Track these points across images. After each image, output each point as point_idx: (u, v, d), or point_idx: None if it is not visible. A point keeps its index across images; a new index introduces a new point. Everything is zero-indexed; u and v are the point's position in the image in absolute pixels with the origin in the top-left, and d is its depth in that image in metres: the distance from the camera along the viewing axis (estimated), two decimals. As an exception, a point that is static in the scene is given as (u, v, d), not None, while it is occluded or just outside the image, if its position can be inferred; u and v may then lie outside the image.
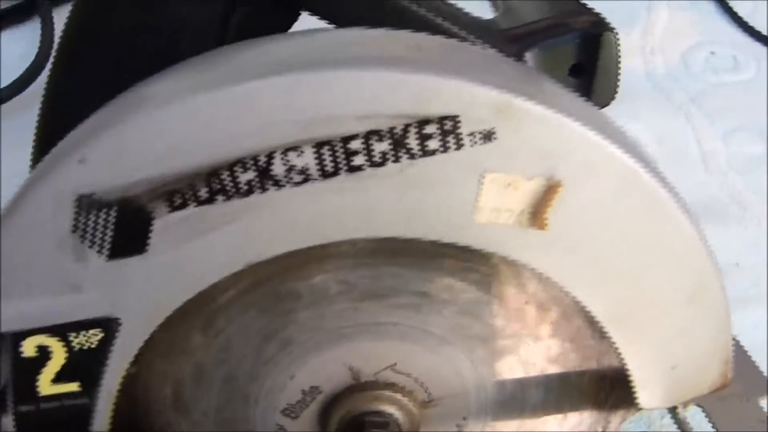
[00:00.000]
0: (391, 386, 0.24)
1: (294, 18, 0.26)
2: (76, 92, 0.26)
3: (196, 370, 0.23)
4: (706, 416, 0.27)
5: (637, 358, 0.22)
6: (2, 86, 0.49)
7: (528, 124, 0.17)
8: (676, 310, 0.22)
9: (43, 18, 0.52)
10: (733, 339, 0.25)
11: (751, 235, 0.43)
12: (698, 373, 0.23)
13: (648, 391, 0.23)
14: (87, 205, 0.18)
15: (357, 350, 0.24)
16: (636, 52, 0.52)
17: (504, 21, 0.28)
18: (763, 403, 0.29)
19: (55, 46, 0.49)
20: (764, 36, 0.52)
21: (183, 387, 0.24)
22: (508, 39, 0.27)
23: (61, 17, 0.52)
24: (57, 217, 0.18)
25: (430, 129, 0.17)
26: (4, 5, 0.53)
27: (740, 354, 0.30)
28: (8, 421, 0.22)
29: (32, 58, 0.50)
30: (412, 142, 0.17)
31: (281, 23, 0.26)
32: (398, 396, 0.24)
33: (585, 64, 0.27)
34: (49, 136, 0.28)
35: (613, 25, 0.53)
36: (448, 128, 0.17)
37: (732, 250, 0.42)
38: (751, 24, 0.53)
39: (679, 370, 0.23)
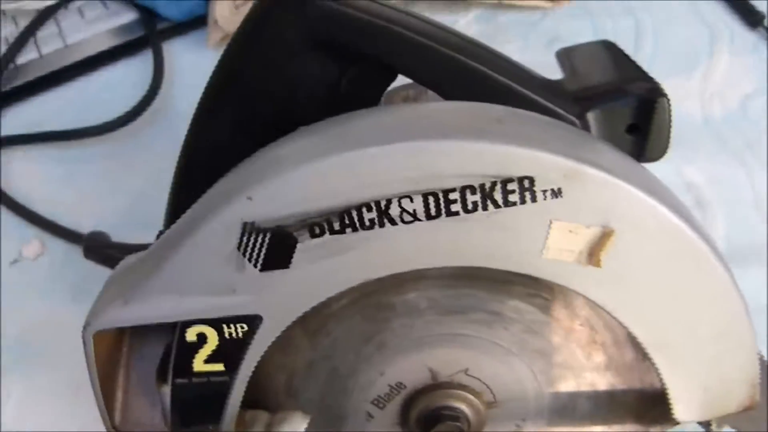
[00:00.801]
0: (463, 387, 0.29)
1: (393, 78, 0.32)
2: (209, 143, 0.32)
3: (307, 364, 0.29)
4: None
5: (674, 378, 0.27)
6: (119, 114, 0.55)
7: (588, 185, 0.22)
8: (708, 342, 0.26)
9: (155, 51, 0.58)
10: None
11: None
12: (727, 394, 0.27)
13: (683, 406, 0.27)
14: (249, 230, 0.23)
15: (437, 355, 0.29)
16: (695, 97, 0.54)
17: (570, 82, 0.33)
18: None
19: (165, 77, 0.56)
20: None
21: (294, 377, 0.29)
22: (573, 99, 0.32)
23: (169, 51, 0.59)
24: (227, 237, 0.24)
25: (511, 186, 0.22)
26: (120, 40, 0.60)
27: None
28: (166, 389, 0.28)
29: (144, 86, 0.56)
30: (498, 195, 0.22)
31: (382, 83, 0.32)
32: (468, 396, 0.29)
33: (640, 124, 0.32)
34: (185, 176, 0.34)
35: (675, 69, 0.58)
36: (526, 186, 0.22)
37: None
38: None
39: (710, 390, 0.27)
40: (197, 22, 0.59)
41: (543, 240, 0.23)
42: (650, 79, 0.32)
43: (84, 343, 0.26)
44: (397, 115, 0.24)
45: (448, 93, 0.30)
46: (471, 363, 0.29)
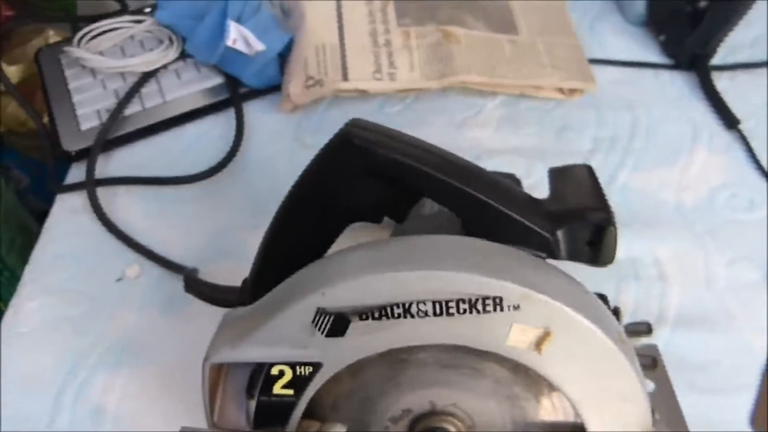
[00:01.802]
0: (452, 414, 0.42)
1: (419, 198, 0.45)
2: (292, 230, 0.46)
3: (347, 392, 0.42)
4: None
5: (592, 421, 0.39)
6: (206, 161, 0.67)
7: (536, 303, 0.35)
8: (613, 399, 0.39)
9: (237, 111, 0.70)
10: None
11: (732, 341, 0.56)
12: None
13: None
14: (321, 312, 0.37)
15: (436, 392, 0.41)
16: (672, 186, 0.64)
17: (550, 202, 0.46)
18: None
19: (246, 134, 0.69)
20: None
21: (338, 399, 0.43)
22: (549, 217, 0.44)
23: (248, 111, 0.72)
24: (306, 315, 0.37)
25: (488, 301, 0.35)
26: (209, 100, 0.71)
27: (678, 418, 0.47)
28: (253, 402, 0.41)
29: (227, 138, 0.69)
30: (479, 306, 0.35)
31: (411, 202, 0.45)
32: (456, 421, 0.42)
33: (595, 242, 0.44)
34: (272, 248, 0.47)
35: (660, 161, 0.67)
36: (497, 302, 0.35)
37: (715, 351, 0.55)
38: (771, 172, 0.66)
39: (616, 427, 0.40)
40: (274, 87, 0.72)
41: (506, 333, 0.36)
42: (606, 209, 0.44)
43: (202, 370, 0.40)
44: (421, 247, 0.38)
45: (456, 211, 0.43)
46: (458, 399, 0.40)
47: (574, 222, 0.43)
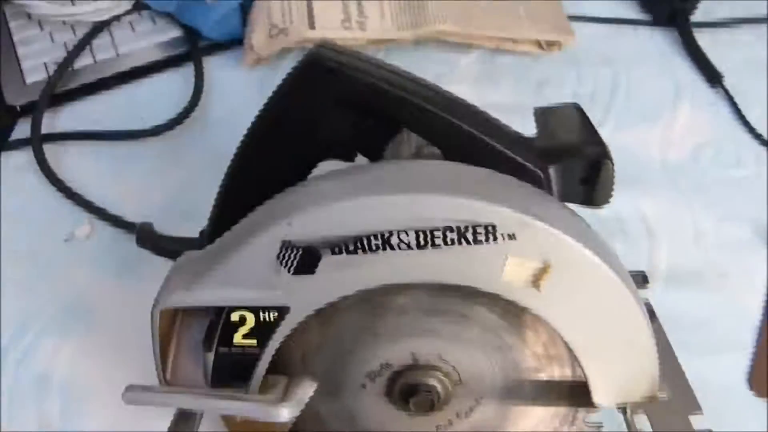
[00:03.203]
0: (436, 368, 0.38)
1: (397, 131, 0.41)
2: (254, 167, 0.41)
3: (318, 344, 0.38)
4: (650, 423, 0.40)
5: (594, 373, 0.36)
6: (162, 118, 0.63)
7: (534, 232, 0.31)
8: (619, 346, 0.35)
9: (197, 66, 0.66)
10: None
11: (725, 300, 0.53)
12: (634, 385, 0.36)
13: (600, 394, 0.36)
14: (286, 246, 0.32)
15: (418, 343, 0.37)
16: (656, 143, 0.62)
17: (540, 140, 0.42)
18: (692, 418, 0.42)
19: (204, 89, 0.64)
20: (765, 140, 0.64)
21: (308, 353, 0.38)
22: (540, 155, 0.41)
23: (208, 66, 0.67)
24: (270, 250, 0.32)
25: (480, 230, 0.31)
26: (166, 54, 0.67)
27: (681, 378, 0.44)
28: (211, 356, 0.37)
29: (185, 95, 0.64)
30: (470, 235, 0.31)
31: (388, 135, 0.41)
32: (440, 375, 0.38)
33: (590, 179, 0.40)
34: (231, 191, 0.43)
35: (643, 118, 0.65)
36: (490, 231, 0.31)
37: (707, 309, 0.53)
38: (757, 129, 0.64)
39: (620, 383, 0.36)
40: (235, 42, 0.67)
41: (501, 268, 0.32)
42: (601, 144, 0.40)
43: (151, 316, 0.35)
44: (402, 171, 0.33)
45: (438, 145, 0.39)
46: (444, 351, 0.37)
47: (567, 158, 0.40)
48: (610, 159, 0.39)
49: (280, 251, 0.32)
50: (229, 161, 0.43)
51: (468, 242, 0.31)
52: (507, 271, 0.32)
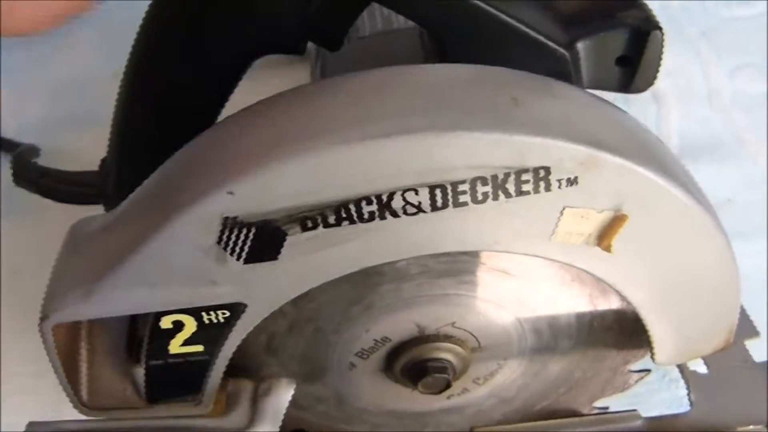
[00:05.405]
0: (448, 338, 0.29)
1: (365, 6, 0.28)
2: (158, 72, 0.28)
3: (289, 326, 0.28)
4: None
5: (660, 331, 0.27)
6: None
7: (605, 173, 0.21)
8: (699, 299, 0.26)
9: None
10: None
11: (747, 172, 0.46)
12: (707, 341, 0.28)
13: (664, 353, 0.28)
14: (231, 224, 0.21)
15: (425, 312, 0.28)
16: None
17: (564, 3, 0.30)
18: (748, 344, 0.35)
19: None
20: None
21: (275, 337, 0.28)
22: (564, 24, 0.29)
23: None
24: (205, 232, 0.21)
25: (525, 177, 0.20)
26: None
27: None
28: (140, 371, 0.26)
29: None
30: (510, 186, 0.20)
31: (355, 8, 0.28)
32: (454, 346, 0.29)
33: (632, 56, 0.29)
34: (132, 105, 0.29)
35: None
36: (541, 176, 0.20)
37: (728, 186, 0.45)
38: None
39: (692, 340, 0.28)
40: None
41: (554, 225, 0.22)
42: (645, 8, 0.29)
43: (42, 334, 0.24)
44: (400, 89, 0.21)
45: (422, 21, 0.27)
46: (458, 317, 0.28)
47: (602, 29, 0.28)
48: (659, 28, 0.28)
49: (222, 233, 0.21)
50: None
51: (508, 195, 0.21)
52: (562, 227, 0.22)
